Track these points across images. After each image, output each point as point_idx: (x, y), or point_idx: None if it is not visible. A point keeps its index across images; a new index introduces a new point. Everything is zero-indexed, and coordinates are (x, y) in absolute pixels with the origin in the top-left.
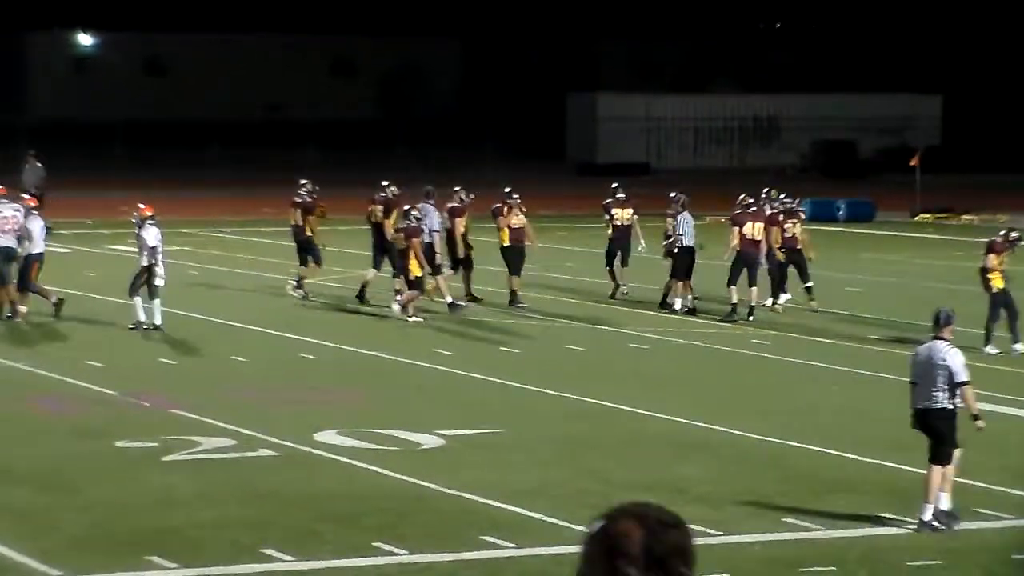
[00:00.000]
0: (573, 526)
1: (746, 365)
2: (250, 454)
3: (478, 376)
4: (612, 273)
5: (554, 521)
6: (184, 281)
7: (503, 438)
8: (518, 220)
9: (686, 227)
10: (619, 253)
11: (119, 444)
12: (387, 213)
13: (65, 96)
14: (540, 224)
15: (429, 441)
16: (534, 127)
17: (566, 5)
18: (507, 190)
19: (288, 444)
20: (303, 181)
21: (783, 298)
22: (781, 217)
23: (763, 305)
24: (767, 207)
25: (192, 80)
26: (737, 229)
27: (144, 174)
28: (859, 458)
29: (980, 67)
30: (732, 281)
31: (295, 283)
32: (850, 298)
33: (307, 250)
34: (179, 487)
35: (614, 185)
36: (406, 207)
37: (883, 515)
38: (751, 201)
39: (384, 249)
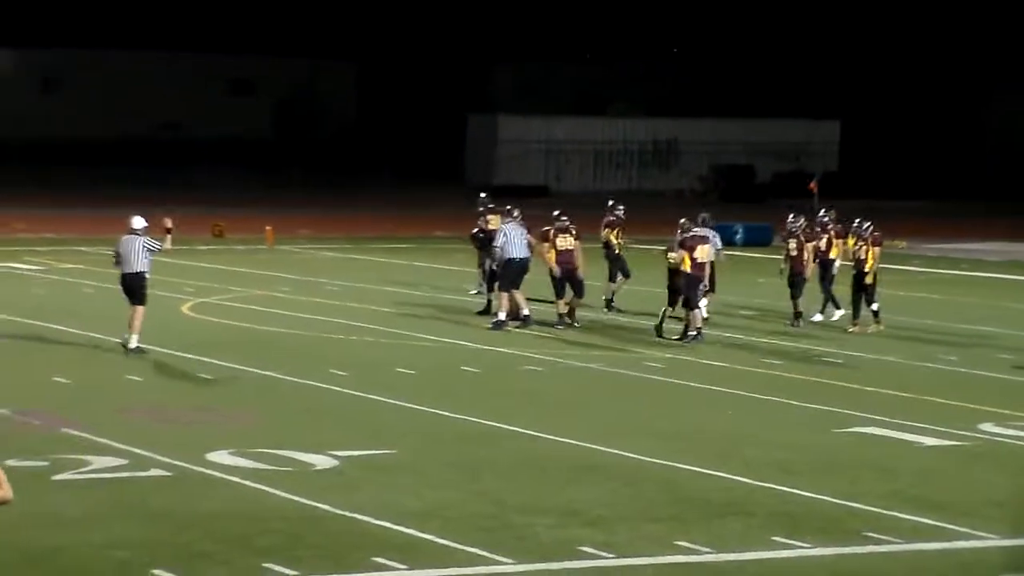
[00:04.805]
0: (465, 548)
1: (639, 388)
2: (141, 474)
3: (372, 397)
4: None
5: (445, 543)
6: (79, 299)
7: (396, 459)
8: (565, 242)
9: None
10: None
11: (8, 463)
12: (612, 228)
13: None
14: (436, 245)
15: (322, 462)
16: (431, 149)
17: (465, 28)
18: (556, 213)
19: (180, 464)
20: (611, 202)
21: (837, 313)
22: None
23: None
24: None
25: (90, 98)
26: (687, 254)
27: (40, 192)
28: (749, 481)
29: (877, 93)
30: (694, 304)
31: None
32: (745, 322)
33: (617, 265)
34: (68, 507)
35: (482, 195)
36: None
37: (773, 538)
38: (691, 224)
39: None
